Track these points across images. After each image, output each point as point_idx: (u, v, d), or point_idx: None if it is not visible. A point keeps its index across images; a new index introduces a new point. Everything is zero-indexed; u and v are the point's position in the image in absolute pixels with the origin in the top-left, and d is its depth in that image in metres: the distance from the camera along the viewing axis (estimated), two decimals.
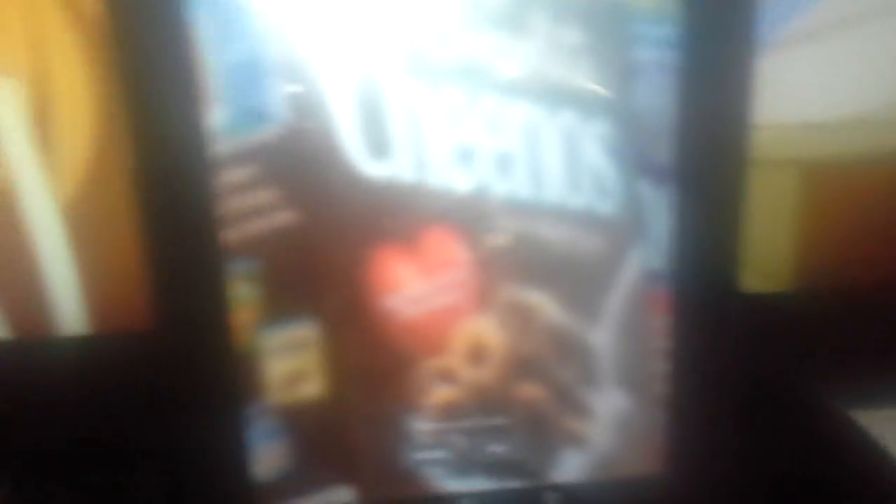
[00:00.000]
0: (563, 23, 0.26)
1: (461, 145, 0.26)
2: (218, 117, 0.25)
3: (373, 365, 0.28)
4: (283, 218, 0.26)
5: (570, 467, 0.30)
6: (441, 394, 0.29)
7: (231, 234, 0.26)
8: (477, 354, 0.28)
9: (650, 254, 0.28)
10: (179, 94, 0.24)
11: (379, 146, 0.26)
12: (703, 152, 0.28)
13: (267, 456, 0.28)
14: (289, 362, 0.27)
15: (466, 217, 0.27)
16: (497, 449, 0.29)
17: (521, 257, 0.28)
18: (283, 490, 0.28)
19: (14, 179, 0.29)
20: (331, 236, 0.26)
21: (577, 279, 0.28)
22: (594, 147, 0.27)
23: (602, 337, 0.29)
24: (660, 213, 0.28)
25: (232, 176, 0.25)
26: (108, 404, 0.30)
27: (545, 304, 0.28)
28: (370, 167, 0.26)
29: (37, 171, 0.29)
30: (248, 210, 0.26)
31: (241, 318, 0.27)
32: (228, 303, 0.26)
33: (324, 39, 0.25)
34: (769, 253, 0.34)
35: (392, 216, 0.27)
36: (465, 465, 0.29)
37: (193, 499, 0.28)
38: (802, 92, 0.32)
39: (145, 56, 0.23)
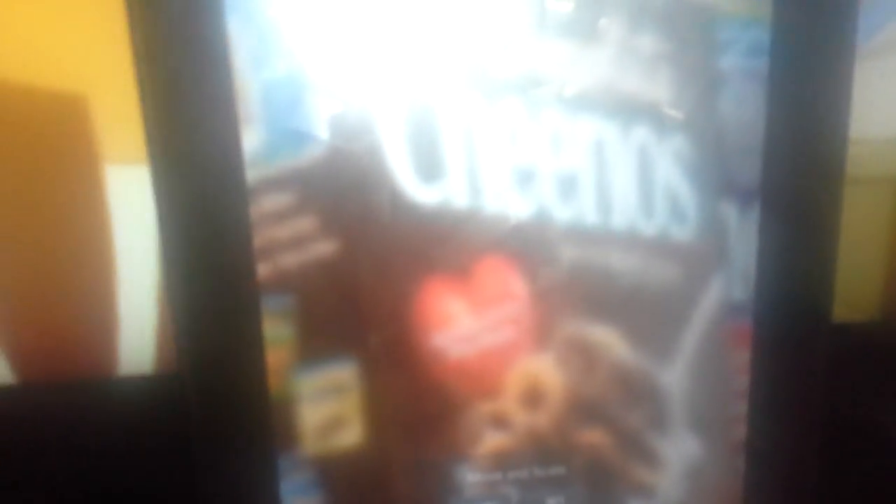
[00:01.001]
0: (639, 29, 0.25)
1: (520, 166, 0.25)
2: (254, 140, 0.24)
3: (418, 410, 0.27)
4: (322, 249, 0.25)
5: None
6: (493, 441, 0.28)
7: (265, 268, 0.25)
8: (533, 397, 0.28)
9: (731, 284, 0.27)
10: (213, 114, 0.23)
11: (429, 168, 0.25)
12: (794, 171, 0.26)
13: None
14: (326, 408, 0.27)
15: (525, 245, 0.26)
16: (554, 501, 0.29)
17: (584, 290, 0.27)
18: None
19: None
20: (374, 269, 0.26)
21: (647, 313, 0.27)
22: (670, 166, 0.26)
23: (675, 377, 0.28)
24: (743, 238, 0.27)
25: (268, 204, 0.24)
26: (130, 453, 0.30)
27: (611, 342, 0.27)
28: (419, 192, 0.25)
29: None
30: (284, 241, 0.25)
31: (274, 359, 0.26)
32: (261, 343, 0.25)
33: (369, 52, 0.24)
34: (859, 279, 0.32)
35: (442, 245, 0.26)
36: None
37: None
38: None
39: (177, 74, 0.22)
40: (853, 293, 0.33)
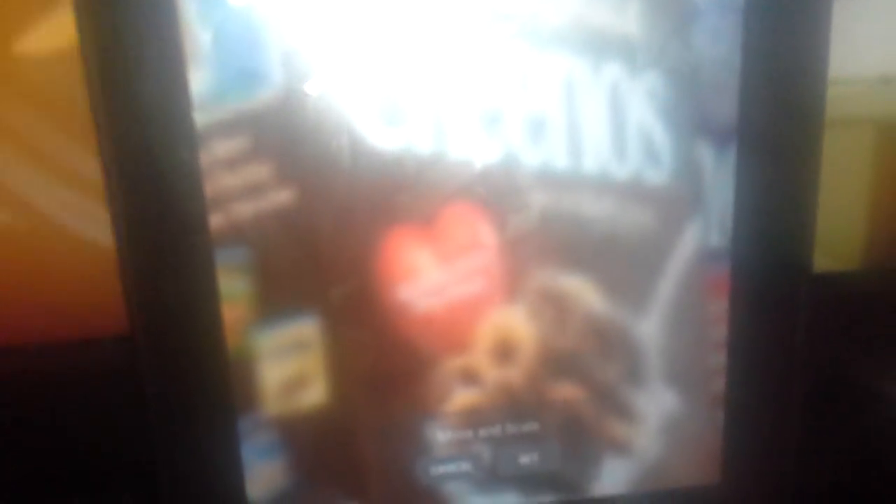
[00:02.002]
0: None
1: (487, 107, 0.25)
2: (203, 81, 0.23)
3: (384, 367, 0.27)
4: (279, 198, 0.25)
5: (614, 478, 0.29)
6: (464, 398, 0.28)
7: (218, 219, 0.24)
8: (505, 352, 0.27)
9: (708, 230, 0.27)
10: (158, 53, 0.22)
11: (391, 110, 0.24)
12: (773, 110, 0.26)
13: (264, 474, 0.27)
14: (287, 366, 0.26)
15: (493, 192, 0.26)
16: (529, 460, 0.29)
17: (555, 238, 0.26)
18: None
19: None
20: (334, 218, 0.25)
21: (621, 262, 0.27)
22: (643, 106, 0.26)
23: (651, 328, 0.28)
24: (720, 182, 0.27)
25: (219, 150, 0.24)
26: (81, 419, 0.29)
27: (584, 292, 0.27)
28: (381, 136, 0.25)
29: None
30: (237, 190, 0.24)
31: (231, 315, 0.25)
32: (217, 298, 0.25)
33: None
34: (840, 226, 0.32)
35: (406, 193, 0.25)
36: (492, 479, 0.29)
37: None
38: (880, 44, 0.31)
39: (118, 9, 0.22)
40: (838, 241, 0.33)
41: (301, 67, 0.24)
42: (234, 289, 0.25)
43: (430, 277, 0.26)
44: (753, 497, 0.30)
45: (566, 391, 0.28)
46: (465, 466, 0.28)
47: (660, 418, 0.29)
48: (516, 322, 0.27)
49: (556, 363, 0.28)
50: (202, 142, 0.24)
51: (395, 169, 0.25)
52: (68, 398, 0.29)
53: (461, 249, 0.26)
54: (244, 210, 0.25)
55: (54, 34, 0.29)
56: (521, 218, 0.26)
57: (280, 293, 0.26)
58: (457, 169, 0.25)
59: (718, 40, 0.25)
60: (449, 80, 0.24)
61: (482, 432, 0.28)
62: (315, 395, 0.27)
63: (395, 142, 0.25)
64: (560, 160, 0.26)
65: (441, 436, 0.28)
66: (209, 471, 0.27)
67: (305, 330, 0.26)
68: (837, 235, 0.33)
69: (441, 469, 0.28)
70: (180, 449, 0.26)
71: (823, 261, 0.32)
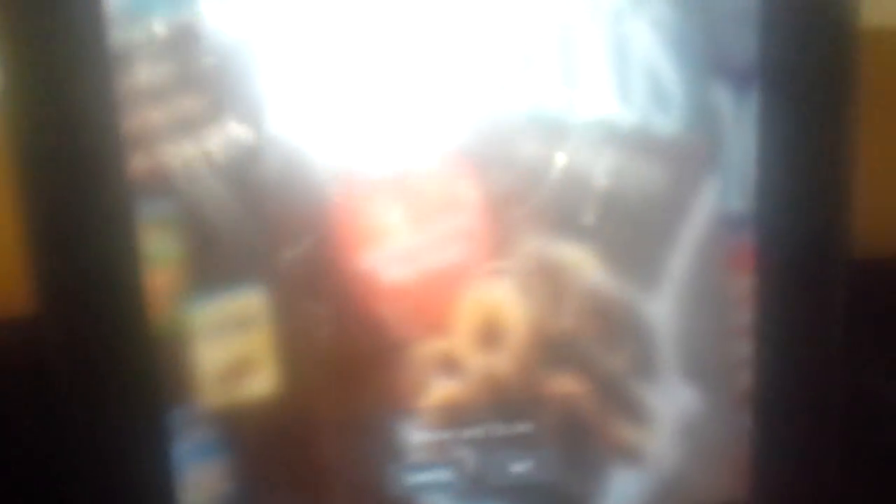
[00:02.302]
0: None
1: (472, 44, 0.23)
2: None
3: (345, 350, 0.25)
4: (215, 137, 0.23)
5: (622, 493, 0.27)
6: (443, 391, 0.26)
7: (140, 162, 0.22)
8: (490, 334, 0.25)
9: (728, 190, 0.25)
10: None
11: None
12: (800, 45, 0.24)
13: (200, 479, 0.25)
14: (228, 347, 0.24)
15: (476, 141, 0.24)
16: (521, 468, 0.27)
17: (549, 197, 0.25)
18: None
19: None
20: (284, 164, 0.23)
21: (627, 227, 0.25)
22: (650, 39, 0.24)
23: (663, 309, 0.26)
24: (741, 132, 0.25)
25: (141, 76, 0.22)
26: None
27: (583, 263, 0.25)
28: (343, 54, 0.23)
29: None
30: (164, 126, 0.22)
31: (158, 283, 0.23)
32: (137, 262, 0.23)
33: None
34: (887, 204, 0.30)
35: (373, 134, 0.23)
36: (476, 489, 0.27)
37: None
38: None
39: None
40: (885, 221, 0.30)
41: None
42: (160, 251, 0.23)
43: (401, 241, 0.24)
44: None
45: (564, 384, 0.26)
46: (446, 475, 0.26)
47: (675, 420, 0.27)
48: (504, 298, 0.25)
49: (551, 350, 0.26)
50: (119, 65, 0.22)
51: (360, 102, 0.23)
52: None
53: (438, 208, 0.24)
54: (173, 152, 0.23)
55: None
56: (508, 173, 0.24)
57: (218, 257, 0.24)
58: (436, 112, 0.23)
59: None
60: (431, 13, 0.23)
61: (465, 433, 0.26)
62: (262, 382, 0.25)
63: (363, 63, 0.23)
64: (555, 104, 0.24)
65: (416, 437, 0.26)
66: (133, 475, 0.25)
67: (250, 302, 0.24)
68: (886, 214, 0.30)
69: (416, 477, 0.26)
70: (97, 449, 0.24)
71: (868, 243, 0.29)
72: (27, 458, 0.27)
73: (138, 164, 0.22)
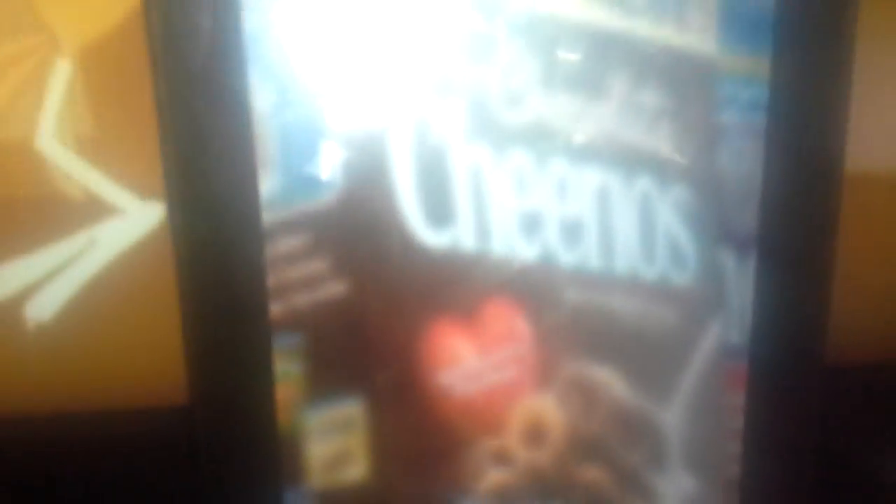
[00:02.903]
0: (644, 84, 0.26)
1: (527, 212, 0.27)
2: (271, 184, 0.25)
3: (422, 446, 0.28)
4: (333, 290, 0.27)
5: None
6: (495, 476, 0.29)
7: (278, 307, 0.26)
8: (535, 435, 0.29)
9: (728, 328, 0.29)
10: (233, 159, 0.24)
11: (439, 213, 0.26)
12: (790, 221, 0.28)
13: None
14: (333, 443, 0.28)
15: (530, 288, 0.27)
16: None
17: (587, 332, 0.28)
18: None
19: None
20: (383, 309, 0.27)
21: (647, 355, 0.29)
22: (671, 215, 0.28)
23: (672, 416, 0.29)
24: (740, 284, 0.29)
25: (282, 245, 0.26)
26: (141, 484, 0.31)
27: (611, 382, 0.29)
28: (429, 235, 0.27)
29: None
30: (297, 281, 0.26)
31: (284, 394, 0.27)
32: (272, 378, 0.27)
33: (383, 102, 0.25)
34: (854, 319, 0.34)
35: (450, 287, 0.27)
36: None
37: None
38: None
39: (197, 122, 0.24)
40: (853, 334, 0.34)
41: (359, 173, 0.26)
42: (288, 371, 0.27)
43: (469, 365, 0.28)
44: None
45: (591, 473, 0.30)
46: None
47: (678, 501, 0.30)
48: (547, 408, 0.29)
49: (583, 447, 0.29)
50: (268, 238, 0.26)
51: (440, 266, 0.27)
52: (128, 463, 0.30)
53: (499, 340, 0.28)
54: (301, 300, 0.27)
55: None
56: (555, 313, 0.28)
57: (330, 376, 0.27)
58: (498, 267, 0.27)
59: (741, 158, 0.27)
60: (494, 187, 0.27)
61: None
62: (357, 470, 0.28)
63: (442, 241, 0.27)
64: (593, 261, 0.28)
65: None
66: None
67: (351, 411, 0.28)
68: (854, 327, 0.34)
69: None
70: None
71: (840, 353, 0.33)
72: None
73: (276, 308, 0.26)
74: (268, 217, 0.26)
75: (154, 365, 0.31)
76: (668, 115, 0.27)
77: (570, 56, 0.26)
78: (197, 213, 0.25)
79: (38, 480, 0.30)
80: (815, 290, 0.29)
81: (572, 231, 0.27)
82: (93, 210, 0.29)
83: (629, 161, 0.27)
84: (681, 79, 0.26)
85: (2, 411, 0.31)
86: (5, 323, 0.30)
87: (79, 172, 0.29)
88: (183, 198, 0.25)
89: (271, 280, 0.26)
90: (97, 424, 0.30)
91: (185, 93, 0.24)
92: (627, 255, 0.28)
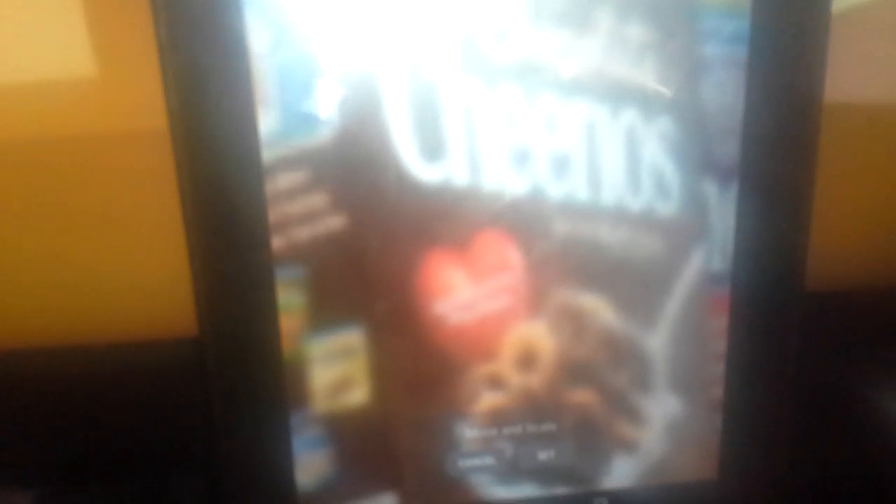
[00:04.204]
0: (629, 19, 0.27)
1: (517, 146, 0.28)
2: (270, 122, 0.26)
3: (420, 371, 0.29)
4: (332, 223, 0.27)
5: (621, 473, 0.31)
6: (489, 400, 0.30)
7: (279, 241, 0.27)
8: (527, 360, 0.30)
9: (711, 256, 0.30)
10: (232, 98, 0.25)
11: (432, 148, 0.27)
12: (770, 152, 0.29)
13: (311, 464, 0.30)
14: (335, 369, 0.29)
15: (520, 220, 0.28)
16: (546, 456, 0.31)
17: (575, 261, 0.29)
18: (327, 498, 0.30)
19: None
20: (380, 241, 0.28)
21: (634, 282, 0.30)
22: (656, 147, 0.28)
23: (658, 341, 0.30)
24: (722, 214, 0.29)
25: (282, 182, 0.27)
26: (151, 411, 0.32)
27: (599, 309, 0.30)
28: (422, 170, 0.27)
29: None
30: (297, 216, 0.27)
31: (287, 325, 0.28)
32: (275, 310, 0.28)
33: (377, 39, 0.26)
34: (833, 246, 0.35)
35: (444, 220, 0.28)
36: (513, 471, 0.31)
37: None
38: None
39: (197, 62, 0.25)
40: (832, 261, 0.35)
41: (355, 110, 0.27)
42: (290, 302, 0.28)
43: (463, 294, 0.29)
44: (747, 491, 0.32)
45: (581, 396, 0.31)
46: (489, 460, 0.30)
47: (664, 420, 0.32)
48: (538, 334, 0.30)
49: (572, 371, 0.30)
50: (267, 174, 0.27)
51: (434, 199, 0.28)
52: (141, 393, 0.32)
53: (491, 270, 0.29)
54: (302, 233, 0.28)
55: None
56: (544, 243, 0.29)
57: (331, 306, 0.28)
58: (489, 200, 0.28)
59: (724, 90, 0.28)
60: (484, 122, 0.27)
61: (505, 431, 0.30)
62: (359, 395, 0.29)
63: (435, 176, 0.28)
64: (581, 193, 0.29)
65: (469, 433, 0.30)
66: (264, 460, 0.29)
67: (352, 338, 0.29)
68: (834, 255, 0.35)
69: (468, 462, 0.30)
70: (240, 440, 0.29)
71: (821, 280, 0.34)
72: (191, 445, 0.32)
73: (278, 241, 0.27)
74: (267, 154, 0.26)
75: (167, 299, 0.32)
76: (652, 48, 0.27)
77: None
78: (199, 151, 0.26)
79: (52, 413, 0.31)
80: (796, 217, 0.30)
81: (561, 164, 0.28)
82: None
83: (615, 94, 0.28)
84: (665, 12, 0.27)
85: (13, 344, 0.33)
86: (16, 255, 0.31)
87: None
88: (185, 137, 0.26)
89: (272, 215, 0.27)
90: (114, 356, 0.32)
91: (184, 34, 0.25)
92: (614, 187, 0.29)
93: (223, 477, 0.29)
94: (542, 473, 0.31)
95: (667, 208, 0.29)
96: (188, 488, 0.33)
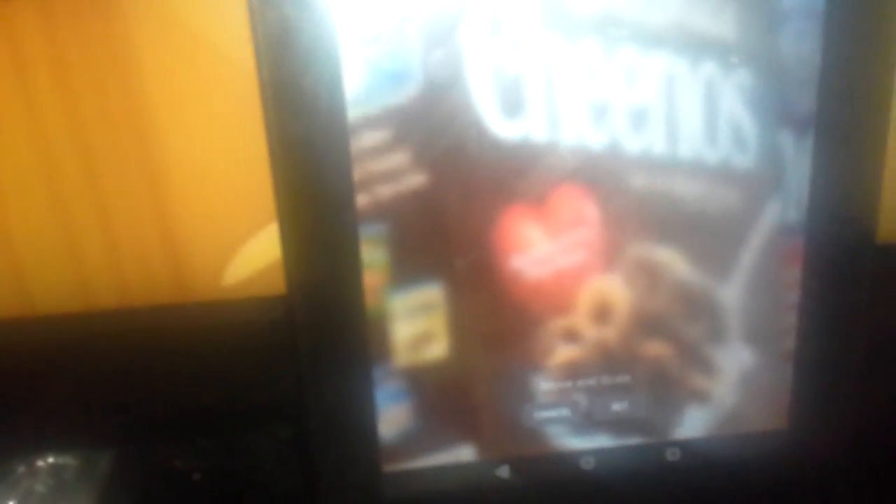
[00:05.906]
0: None
1: (596, 101, 0.28)
2: (354, 83, 0.27)
3: (498, 325, 0.30)
4: (414, 181, 0.28)
5: (693, 424, 0.32)
6: (565, 353, 0.31)
7: (363, 199, 0.28)
8: (602, 313, 0.31)
9: (786, 208, 0.30)
10: (319, 59, 0.26)
11: (512, 105, 0.28)
12: (847, 103, 0.29)
13: (393, 415, 0.30)
14: (416, 324, 0.30)
15: (597, 174, 0.29)
16: (620, 407, 0.31)
17: (651, 214, 0.29)
18: (408, 448, 0.31)
19: None
20: (460, 198, 0.28)
21: (709, 235, 0.30)
22: (734, 99, 0.28)
23: (732, 293, 0.31)
24: (798, 166, 0.30)
25: (366, 140, 0.27)
26: (241, 367, 0.33)
27: (674, 261, 0.30)
28: (503, 127, 0.28)
29: None
30: (380, 174, 0.28)
31: (370, 280, 0.29)
32: (359, 266, 0.28)
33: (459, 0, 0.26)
34: None
35: (522, 176, 0.28)
36: (587, 422, 0.31)
37: (321, 458, 0.31)
38: None
39: (285, 23, 0.25)
40: None
41: (438, 70, 0.27)
42: (373, 258, 0.29)
43: (540, 249, 0.30)
44: (817, 441, 0.33)
45: (655, 348, 0.31)
46: (565, 412, 0.31)
47: (736, 372, 0.32)
48: (613, 288, 0.30)
49: (646, 324, 0.31)
50: (353, 133, 0.27)
51: (513, 155, 0.28)
52: (233, 350, 0.33)
53: (568, 225, 0.29)
54: (385, 191, 0.28)
55: None
56: (621, 197, 0.29)
57: (412, 262, 0.29)
58: (567, 155, 0.29)
59: (801, 41, 0.28)
60: (563, 77, 0.28)
61: (580, 383, 0.31)
62: (438, 349, 0.30)
63: (515, 132, 0.28)
64: (658, 147, 0.29)
65: (544, 385, 0.31)
66: (349, 411, 0.30)
67: (432, 294, 0.30)
68: None
69: (543, 414, 0.31)
70: (325, 393, 0.30)
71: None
72: (280, 397, 0.33)
73: (362, 200, 0.28)
74: (353, 113, 0.27)
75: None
76: (730, 1, 0.27)
77: None
78: (287, 112, 0.27)
79: (141, 372, 0.33)
80: (870, 169, 0.30)
81: (639, 117, 0.28)
82: None
83: (694, 47, 0.28)
84: None
85: (105, 304, 0.34)
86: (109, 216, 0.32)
87: None
88: (274, 97, 0.27)
89: (357, 173, 0.28)
90: (206, 314, 0.33)
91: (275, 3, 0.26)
92: (691, 140, 0.29)
93: (311, 428, 0.30)
94: (616, 425, 0.32)
95: (743, 160, 0.29)
96: (277, 442, 0.33)
